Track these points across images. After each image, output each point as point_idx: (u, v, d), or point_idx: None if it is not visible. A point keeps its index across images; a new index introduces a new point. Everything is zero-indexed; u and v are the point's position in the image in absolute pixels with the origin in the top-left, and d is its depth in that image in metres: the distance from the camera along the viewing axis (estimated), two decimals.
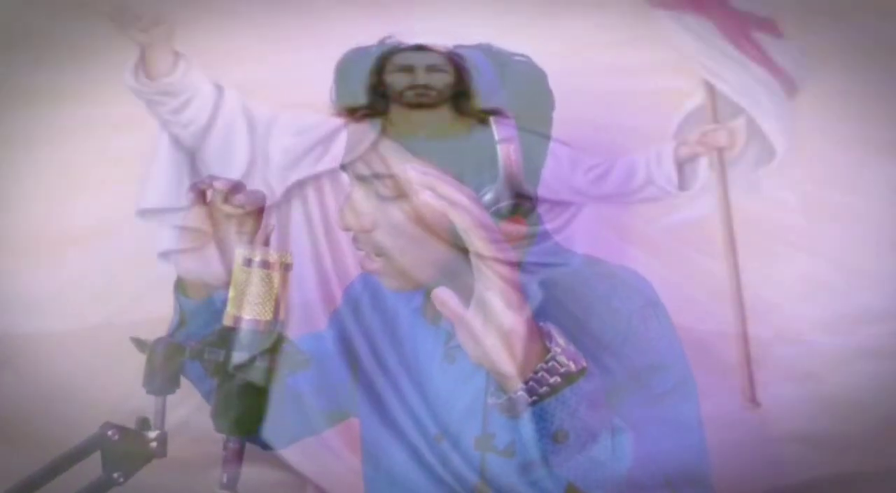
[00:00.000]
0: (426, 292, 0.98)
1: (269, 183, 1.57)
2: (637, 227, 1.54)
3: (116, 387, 1.53)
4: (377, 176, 0.86)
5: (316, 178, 1.58)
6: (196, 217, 0.93)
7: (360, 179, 0.88)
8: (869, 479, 1.41)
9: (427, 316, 1.00)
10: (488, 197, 0.84)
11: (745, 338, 1.50)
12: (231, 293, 0.78)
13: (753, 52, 1.52)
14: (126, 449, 0.75)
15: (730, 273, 1.51)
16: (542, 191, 0.89)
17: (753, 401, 1.49)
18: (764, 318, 1.50)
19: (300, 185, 1.58)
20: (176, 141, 1.57)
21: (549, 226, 0.94)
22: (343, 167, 0.90)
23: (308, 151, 1.57)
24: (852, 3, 1.48)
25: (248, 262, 0.77)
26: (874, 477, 1.41)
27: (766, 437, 1.45)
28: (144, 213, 1.56)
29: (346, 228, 0.90)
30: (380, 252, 0.89)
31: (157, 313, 1.54)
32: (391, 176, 0.85)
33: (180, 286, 0.98)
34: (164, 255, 1.56)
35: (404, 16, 1.50)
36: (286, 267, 0.78)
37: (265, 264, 0.77)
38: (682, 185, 1.55)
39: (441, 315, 0.97)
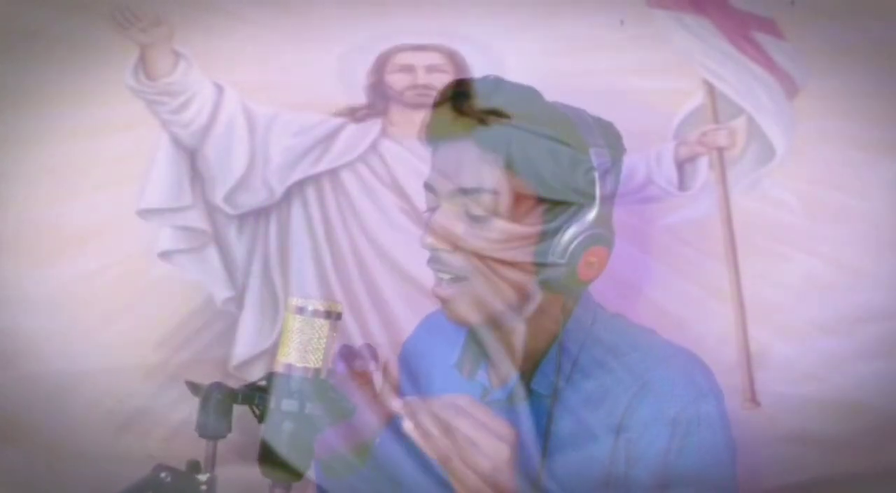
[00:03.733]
0: (463, 345, 0.97)
1: (269, 183, 1.57)
2: (637, 227, 1.54)
3: (116, 387, 1.53)
4: (467, 191, 0.84)
5: (316, 178, 1.58)
6: None
7: (451, 196, 0.86)
8: (868, 479, 1.41)
9: (463, 371, 0.98)
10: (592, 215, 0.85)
11: (745, 338, 1.50)
12: (282, 340, 0.78)
13: (753, 52, 1.52)
14: (177, 492, 0.75)
15: (730, 273, 1.51)
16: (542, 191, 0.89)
17: (753, 401, 1.49)
18: (764, 318, 1.50)
19: (300, 185, 1.58)
20: (176, 141, 1.57)
21: (549, 226, 0.93)
22: (427, 186, 0.88)
23: (308, 151, 1.56)
24: (852, 3, 1.48)
25: (301, 310, 0.77)
26: (873, 477, 1.41)
27: (766, 437, 1.45)
28: (144, 213, 1.56)
29: (431, 247, 0.87)
30: (458, 276, 0.87)
31: (156, 313, 1.56)
32: (492, 191, 0.83)
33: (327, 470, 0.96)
34: (164, 255, 1.57)
35: (404, 16, 1.49)
36: (337, 316, 0.78)
37: (317, 314, 0.77)
38: (683, 185, 1.54)
39: (477, 369, 0.95)
